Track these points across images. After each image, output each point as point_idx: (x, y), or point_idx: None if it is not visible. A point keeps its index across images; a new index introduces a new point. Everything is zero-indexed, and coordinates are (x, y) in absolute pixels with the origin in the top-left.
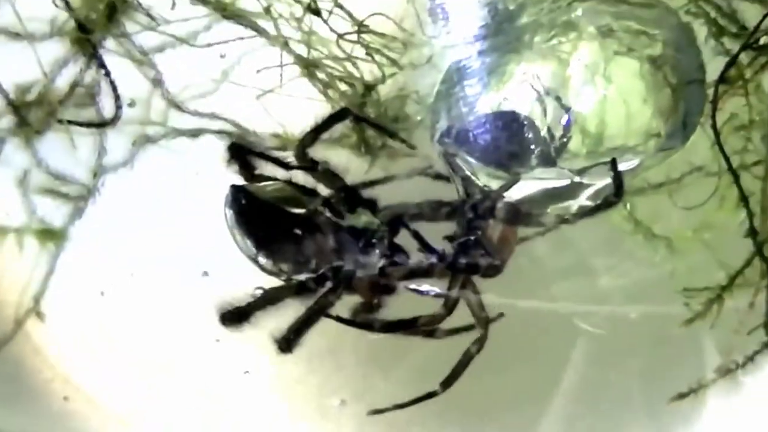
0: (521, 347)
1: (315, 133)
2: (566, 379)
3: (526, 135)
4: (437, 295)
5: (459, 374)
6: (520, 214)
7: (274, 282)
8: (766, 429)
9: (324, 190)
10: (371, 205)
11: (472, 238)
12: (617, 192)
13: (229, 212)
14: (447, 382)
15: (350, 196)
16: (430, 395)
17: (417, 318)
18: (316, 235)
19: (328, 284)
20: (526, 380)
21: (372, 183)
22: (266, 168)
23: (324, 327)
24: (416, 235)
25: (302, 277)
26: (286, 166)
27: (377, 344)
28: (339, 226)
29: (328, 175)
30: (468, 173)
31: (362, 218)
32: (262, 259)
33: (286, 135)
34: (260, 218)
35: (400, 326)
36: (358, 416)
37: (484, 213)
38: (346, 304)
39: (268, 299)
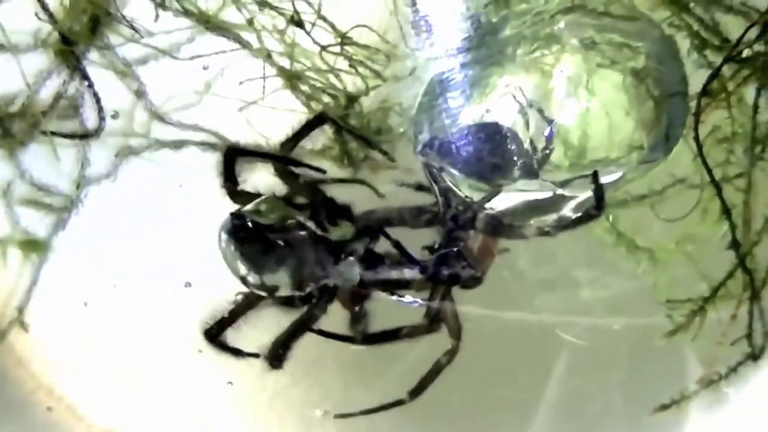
0: (504, 359)
1: (293, 142)
2: (549, 391)
3: (509, 147)
4: (420, 305)
5: (428, 384)
6: (500, 226)
7: None
8: None
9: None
10: (347, 213)
11: (454, 249)
12: (598, 205)
13: (225, 237)
14: (416, 391)
15: (330, 209)
16: (398, 403)
17: (399, 329)
18: (304, 250)
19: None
20: (509, 391)
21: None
22: (250, 182)
23: (307, 339)
24: (397, 246)
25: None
26: (287, 161)
27: (360, 356)
28: (324, 239)
29: (309, 188)
30: (450, 185)
31: (343, 230)
32: (254, 280)
33: (268, 147)
34: (259, 246)
35: (381, 338)
36: (340, 427)
37: (464, 224)
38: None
39: (245, 306)
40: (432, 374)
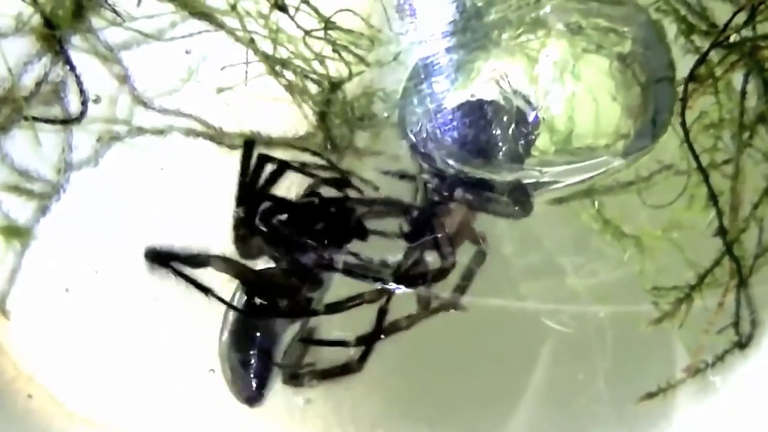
0: (489, 347)
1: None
2: (534, 379)
3: (494, 132)
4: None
5: (378, 336)
6: (479, 201)
7: None
8: (735, 428)
9: None
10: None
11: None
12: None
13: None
14: (361, 340)
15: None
16: (342, 343)
17: (398, 320)
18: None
19: None
20: (495, 379)
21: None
22: None
23: None
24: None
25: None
26: (205, 263)
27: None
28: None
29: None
30: (435, 169)
31: None
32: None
33: (251, 133)
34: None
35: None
36: (323, 415)
37: (445, 198)
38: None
39: None
40: (387, 331)
